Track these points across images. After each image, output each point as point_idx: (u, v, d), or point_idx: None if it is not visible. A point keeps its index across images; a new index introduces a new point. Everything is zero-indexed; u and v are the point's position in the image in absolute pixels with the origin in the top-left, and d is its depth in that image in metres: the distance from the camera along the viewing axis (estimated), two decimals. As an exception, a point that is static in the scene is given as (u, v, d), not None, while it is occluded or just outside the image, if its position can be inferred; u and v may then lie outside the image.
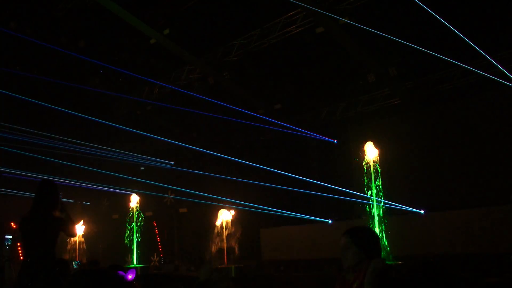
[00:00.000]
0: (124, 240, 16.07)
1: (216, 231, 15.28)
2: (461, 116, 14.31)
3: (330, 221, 15.94)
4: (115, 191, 18.73)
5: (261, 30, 13.73)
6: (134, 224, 16.08)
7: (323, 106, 16.80)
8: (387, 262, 8.80)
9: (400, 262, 9.98)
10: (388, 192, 11.10)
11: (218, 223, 15.55)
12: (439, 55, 11.17)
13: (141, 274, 14.15)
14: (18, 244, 16.98)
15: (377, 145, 11.27)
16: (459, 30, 10.44)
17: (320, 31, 12.89)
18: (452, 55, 11.69)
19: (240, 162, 16.59)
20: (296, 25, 13.12)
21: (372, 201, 10.84)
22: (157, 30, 13.52)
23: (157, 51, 14.96)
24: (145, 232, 16.89)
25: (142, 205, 16.58)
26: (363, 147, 11.34)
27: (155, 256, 18.71)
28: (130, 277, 4.32)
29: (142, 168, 19.82)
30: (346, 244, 2.89)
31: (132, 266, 14.98)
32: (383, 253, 9.54)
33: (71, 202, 19.43)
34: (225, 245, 14.86)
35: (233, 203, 16.24)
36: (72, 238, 16.64)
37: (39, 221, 4.60)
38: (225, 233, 15.04)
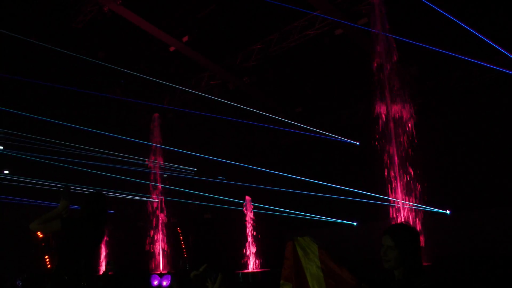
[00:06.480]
0: (149, 248, 16.14)
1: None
2: (484, 114, 14.01)
3: (355, 223, 15.81)
4: (139, 199, 18.81)
5: (279, 34, 13.71)
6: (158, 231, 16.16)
7: (344, 108, 16.66)
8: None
9: (430, 263, 9.82)
10: (412, 193, 10.93)
11: None
12: (458, 55, 10.97)
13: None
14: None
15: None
16: (475, 28, 10.22)
17: (339, 33, 12.80)
18: (472, 53, 11.48)
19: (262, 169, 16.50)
20: (315, 27, 13.05)
21: (397, 203, 10.71)
22: (176, 37, 13.59)
23: (176, 59, 15.03)
24: (170, 239, 16.96)
25: (166, 212, 16.66)
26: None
27: (180, 263, 18.72)
28: (164, 283, 4.34)
29: (165, 175, 19.89)
30: (388, 245, 2.85)
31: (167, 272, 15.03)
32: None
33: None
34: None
35: (257, 208, 16.21)
36: None
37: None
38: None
